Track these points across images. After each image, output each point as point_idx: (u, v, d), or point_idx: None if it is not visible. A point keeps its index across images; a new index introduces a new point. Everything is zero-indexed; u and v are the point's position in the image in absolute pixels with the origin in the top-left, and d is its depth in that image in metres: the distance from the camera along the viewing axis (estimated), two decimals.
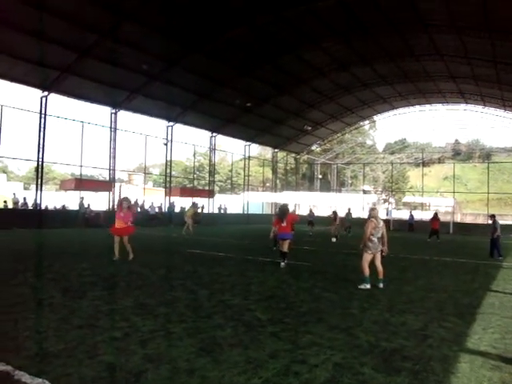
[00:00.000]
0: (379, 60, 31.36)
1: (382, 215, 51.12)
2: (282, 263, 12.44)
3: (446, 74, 32.30)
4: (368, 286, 9.48)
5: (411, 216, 39.50)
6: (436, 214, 25.52)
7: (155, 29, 23.38)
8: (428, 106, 43.53)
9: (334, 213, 24.47)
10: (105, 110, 29.41)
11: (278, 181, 72.78)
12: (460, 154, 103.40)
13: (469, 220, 69.61)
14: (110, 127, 29.17)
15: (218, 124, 36.69)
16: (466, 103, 40.20)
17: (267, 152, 67.02)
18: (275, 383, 4.36)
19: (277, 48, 28.24)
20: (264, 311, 7.23)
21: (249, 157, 44.65)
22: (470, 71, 30.26)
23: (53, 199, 33.08)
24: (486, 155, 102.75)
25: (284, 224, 12.60)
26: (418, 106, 44.55)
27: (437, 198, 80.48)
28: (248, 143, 43.53)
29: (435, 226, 24.63)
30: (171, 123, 33.58)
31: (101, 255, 13.76)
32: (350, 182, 76.25)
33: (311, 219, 27.73)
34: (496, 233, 17.33)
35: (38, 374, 4.29)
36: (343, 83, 35.72)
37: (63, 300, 7.42)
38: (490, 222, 18.24)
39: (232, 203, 44.98)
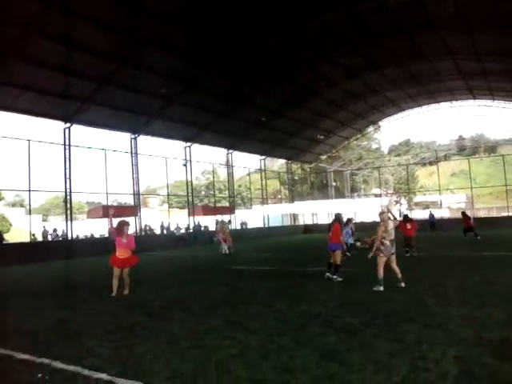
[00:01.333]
0: (389, 64, 31.66)
1: (396, 216, 50.94)
2: (334, 276, 11.51)
3: (456, 72, 32.60)
4: (381, 288, 9.62)
5: (432, 215, 39.16)
6: (464, 213, 25.07)
7: (173, 52, 23.83)
8: (434, 105, 43.79)
9: None
10: (120, 136, 29.67)
11: (287, 192, 73.14)
12: (465, 149, 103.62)
13: (482, 214, 69.44)
14: (131, 152, 29.56)
15: (234, 141, 37.11)
16: (475, 99, 40.50)
17: (273, 164, 67.43)
18: (414, 380, 4.60)
19: (290, 63, 28.73)
20: (351, 316, 7.42)
21: (265, 170, 45.09)
22: (479, 67, 30.56)
23: (75, 228, 33.36)
24: (492, 148, 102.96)
25: (330, 234, 11.61)
26: (423, 107, 44.79)
27: (447, 195, 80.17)
28: (263, 157, 43.93)
29: (468, 225, 24.25)
30: (189, 144, 34.01)
31: (155, 279, 14.07)
32: (362, 186, 76.39)
33: None
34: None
35: None
36: (354, 90, 36.11)
37: (153, 324, 7.60)
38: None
39: (246, 218, 45.00)
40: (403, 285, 9.83)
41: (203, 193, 71.15)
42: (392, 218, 10.54)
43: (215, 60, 25.70)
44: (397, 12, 23.67)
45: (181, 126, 31.14)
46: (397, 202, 74.58)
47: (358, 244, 20.10)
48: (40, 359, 5.79)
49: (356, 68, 31.61)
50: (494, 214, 64.64)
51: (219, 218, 32.46)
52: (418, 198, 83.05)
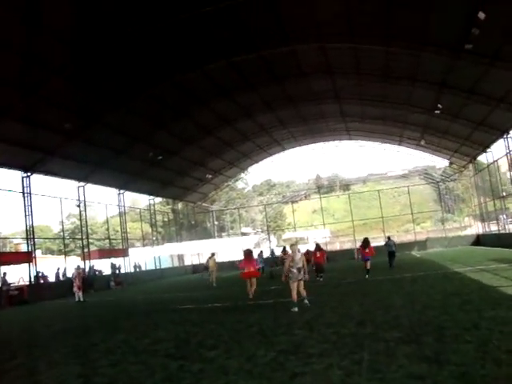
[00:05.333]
0: (282, 106, 33.68)
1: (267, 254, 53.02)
2: (367, 276, 18.53)
3: (339, 114, 35.81)
4: (296, 309, 11.25)
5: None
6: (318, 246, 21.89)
7: (77, 85, 22.56)
8: (314, 144, 46.99)
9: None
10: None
11: (156, 233, 72.02)
12: (322, 187, 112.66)
13: (347, 246, 75.22)
14: (23, 192, 26.66)
15: (126, 180, 35.61)
16: (351, 139, 44.60)
17: (140, 202, 66.48)
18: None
19: (189, 102, 29.03)
20: (388, 330, 7.85)
21: (154, 211, 44.02)
22: (359, 110, 34.03)
23: None
24: (346, 186, 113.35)
25: (367, 250, 19.65)
26: (297, 148, 47.63)
27: (312, 230, 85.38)
28: (151, 197, 42.85)
29: (320, 260, 21.02)
30: (82, 183, 31.91)
31: (118, 324, 12.93)
32: (240, 225, 78.14)
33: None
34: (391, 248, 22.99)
35: None
36: (246, 130, 37.35)
37: (215, 365, 7.10)
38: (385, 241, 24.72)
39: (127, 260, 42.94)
40: (306, 301, 11.76)
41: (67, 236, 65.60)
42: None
43: (119, 97, 24.97)
44: (299, 56, 25.59)
45: (76, 164, 29.16)
46: (266, 240, 77.46)
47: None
48: None
49: (251, 108, 32.95)
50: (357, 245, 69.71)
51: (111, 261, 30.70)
52: (286, 235, 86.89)
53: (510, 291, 10.93)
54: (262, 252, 29.74)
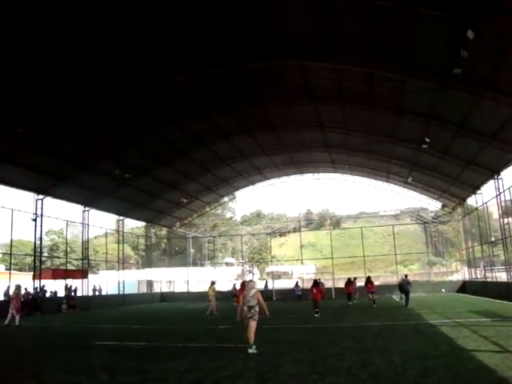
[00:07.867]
0: (262, 130, 31.66)
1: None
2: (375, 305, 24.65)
3: (323, 144, 33.70)
4: (250, 351, 10.21)
5: (297, 286, 37.82)
6: (316, 282, 22.50)
7: (38, 88, 20.36)
8: (299, 175, 44.80)
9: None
10: None
11: (138, 257, 69.17)
12: (312, 222, 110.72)
13: (330, 285, 72.52)
14: None
15: (92, 197, 33.12)
16: (336, 172, 42.48)
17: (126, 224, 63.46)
18: None
19: (164, 117, 27.00)
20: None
21: (123, 232, 41.39)
22: (344, 141, 31.97)
23: None
24: (336, 223, 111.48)
25: (369, 285, 26.22)
26: (284, 177, 45.35)
27: (298, 265, 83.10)
28: (122, 218, 40.30)
29: (317, 297, 20.96)
30: (41, 196, 29.41)
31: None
32: (219, 255, 75.84)
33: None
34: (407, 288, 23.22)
35: None
36: (223, 154, 35.16)
37: None
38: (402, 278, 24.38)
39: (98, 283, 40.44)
40: (250, 350, 10.17)
41: (45, 254, 62.79)
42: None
43: (85, 104, 22.80)
44: (278, 78, 23.90)
45: (34, 174, 26.78)
46: (249, 272, 75.18)
47: None
48: None
49: (229, 130, 30.96)
50: (341, 284, 67.23)
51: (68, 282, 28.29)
52: (270, 268, 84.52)
53: (485, 359, 8.64)
54: (297, 282, 39.97)
